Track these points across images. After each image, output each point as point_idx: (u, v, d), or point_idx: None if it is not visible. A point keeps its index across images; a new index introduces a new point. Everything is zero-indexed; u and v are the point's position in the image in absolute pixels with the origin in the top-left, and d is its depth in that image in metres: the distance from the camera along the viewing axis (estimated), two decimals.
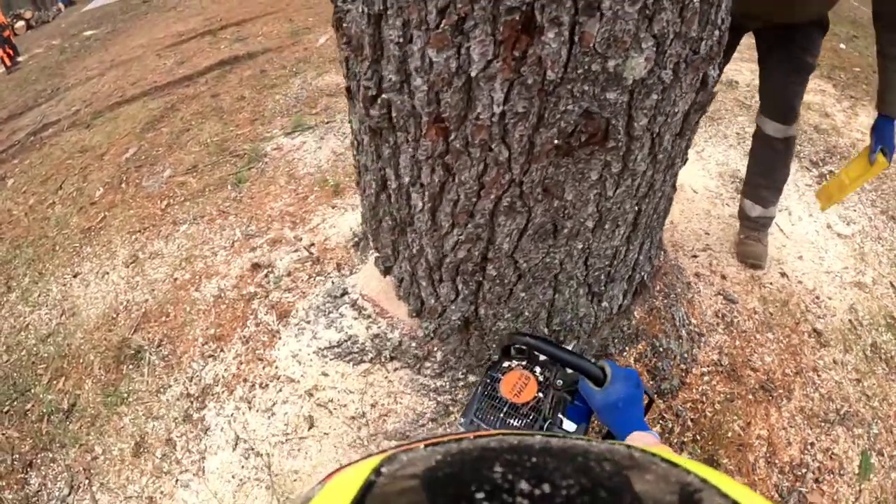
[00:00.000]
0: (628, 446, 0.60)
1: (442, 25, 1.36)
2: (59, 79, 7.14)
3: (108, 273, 3.59)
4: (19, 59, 8.98)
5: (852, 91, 5.04)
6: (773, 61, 2.73)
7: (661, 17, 1.33)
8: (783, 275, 3.14)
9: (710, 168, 3.87)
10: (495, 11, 1.29)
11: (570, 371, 1.63)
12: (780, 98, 2.81)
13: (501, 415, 1.60)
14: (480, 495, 0.43)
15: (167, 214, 3.93)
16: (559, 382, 1.62)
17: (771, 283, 3.07)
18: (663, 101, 1.54)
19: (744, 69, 5.19)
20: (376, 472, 0.52)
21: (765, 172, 3.08)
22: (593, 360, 1.55)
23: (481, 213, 1.79)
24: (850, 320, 2.94)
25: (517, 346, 1.74)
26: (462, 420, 1.63)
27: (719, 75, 1.87)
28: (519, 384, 1.64)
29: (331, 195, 3.71)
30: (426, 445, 0.62)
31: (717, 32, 1.55)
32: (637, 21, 1.30)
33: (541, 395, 1.62)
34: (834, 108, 4.74)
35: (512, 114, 1.48)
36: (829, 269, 3.20)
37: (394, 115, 1.68)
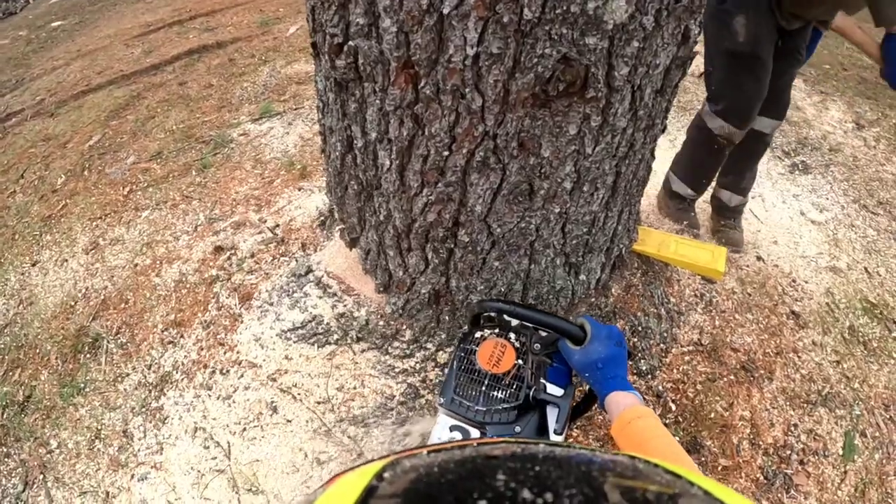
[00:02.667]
0: (633, 457, 0.60)
1: None
2: (25, 69, 6.97)
3: (67, 260, 3.46)
4: None
5: (822, 87, 5.08)
6: (779, 58, 2.70)
7: None
8: (759, 258, 3.15)
9: None
10: None
11: (544, 333, 1.58)
12: (780, 94, 2.82)
13: (483, 388, 1.55)
14: (483, 503, 0.43)
15: (129, 201, 3.81)
16: (537, 346, 1.57)
17: (748, 266, 3.07)
18: (644, 49, 1.47)
19: None
20: (378, 477, 0.53)
21: (750, 165, 3.12)
22: (570, 319, 1.51)
23: (452, 170, 1.70)
24: (826, 303, 2.95)
25: (488, 313, 1.68)
26: (441, 400, 1.56)
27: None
28: (496, 353, 1.59)
29: (297, 178, 3.62)
30: (429, 451, 0.64)
31: None
32: None
33: (520, 361, 1.58)
34: (805, 102, 4.79)
35: (486, 55, 1.40)
36: (804, 254, 3.22)
37: (360, 62, 1.59)
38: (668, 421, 2.36)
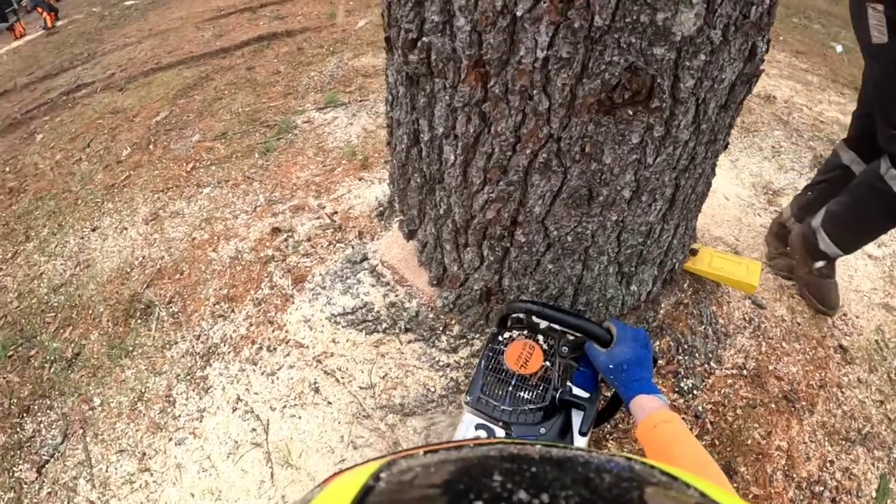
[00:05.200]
0: (629, 458, 0.60)
1: None
2: (97, 44, 7.16)
3: (126, 229, 3.55)
4: (59, 23, 9.04)
5: None
6: None
7: None
8: None
9: (744, 178, 3.78)
10: None
11: (572, 337, 1.61)
12: None
13: (510, 388, 1.56)
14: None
15: (192, 177, 3.89)
16: (564, 349, 1.59)
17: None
18: (711, 63, 1.47)
19: (782, 85, 5.09)
20: (375, 477, 0.53)
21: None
22: (597, 322, 1.54)
23: (515, 169, 1.71)
24: (876, 341, 2.85)
25: (517, 314, 1.71)
26: (468, 399, 1.58)
27: None
28: (524, 354, 1.61)
29: (358, 168, 3.65)
30: (426, 452, 0.64)
31: (767, 0, 1.48)
32: None
33: (548, 363, 1.59)
34: None
35: (556, 59, 1.41)
36: (858, 288, 3.12)
37: (433, 58, 1.62)
38: (704, 443, 2.31)
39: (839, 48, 6.03)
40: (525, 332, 1.68)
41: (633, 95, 1.46)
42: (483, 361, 1.63)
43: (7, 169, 4.63)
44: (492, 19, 1.40)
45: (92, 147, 4.60)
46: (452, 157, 1.82)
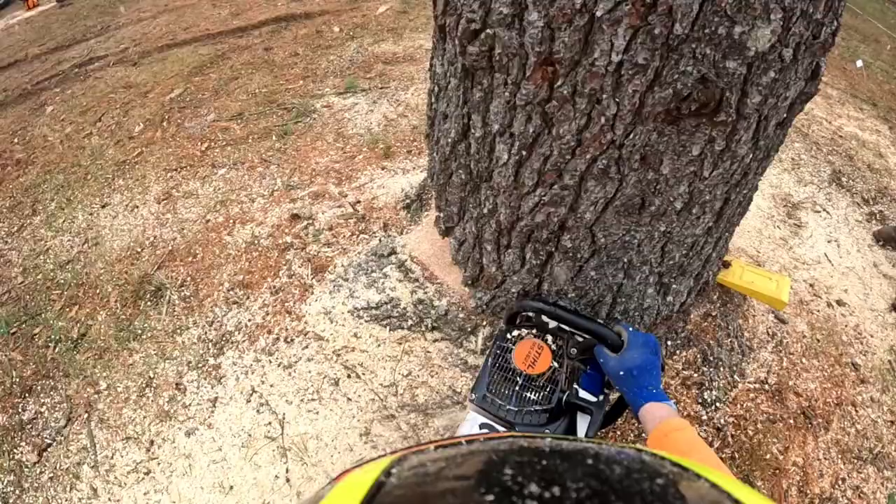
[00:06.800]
0: (640, 449, 0.60)
1: None
2: (111, 17, 7.08)
3: (137, 207, 3.47)
4: None
5: None
6: None
7: None
8: (829, 305, 3.05)
9: (764, 189, 3.78)
10: None
11: (581, 338, 1.59)
12: None
13: (517, 388, 1.56)
14: (490, 497, 0.44)
15: (206, 157, 3.81)
16: (573, 351, 1.59)
17: (818, 311, 2.98)
18: (778, 81, 1.43)
19: None
20: (386, 473, 0.53)
21: None
22: (609, 325, 1.54)
23: (572, 173, 1.65)
24: (889, 361, 2.85)
25: (527, 313, 1.70)
26: (473, 396, 1.57)
27: None
28: (532, 354, 1.60)
29: (381, 157, 3.58)
30: (436, 447, 0.64)
31: (835, 22, 1.45)
32: None
33: (556, 364, 1.59)
34: (888, 150, 4.65)
35: (630, 65, 1.35)
36: (873, 307, 3.12)
37: (497, 52, 1.53)
38: (723, 455, 2.31)
39: (859, 63, 6.05)
40: (534, 331, 1.68)
41: (701, 107, 1.42)
42: (490, 359, 1.63)
43: (15, 140, 4.54)
44: (569, 17, 1.33)
45: (103, 121, 4.51)
46: (506, 156, 1.75)
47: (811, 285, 3.08)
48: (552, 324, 1.67)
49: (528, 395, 1.54)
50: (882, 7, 6.91)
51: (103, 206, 3.56)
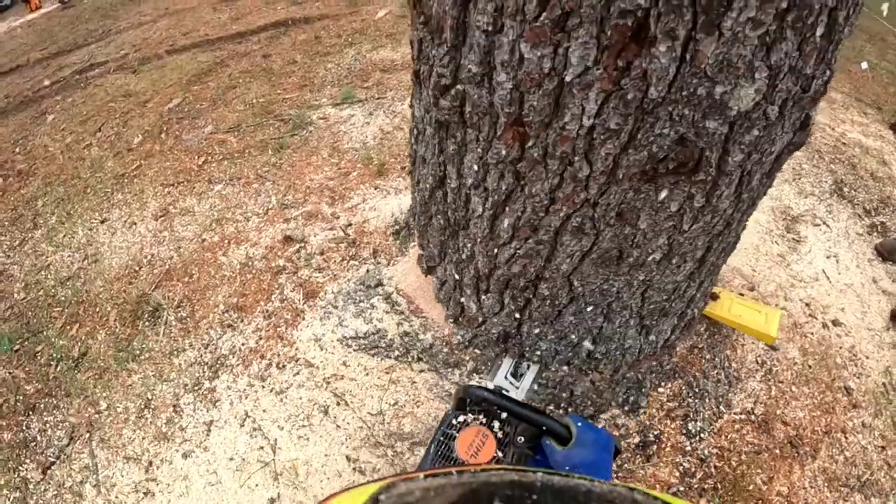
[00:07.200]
0: (631, 488, 0.59)
1: (542, 18, 1.21)
2: (112, 21, 7.09)
3: (136, 224, 3.52)
4: None
5: None
6: None
7: (780, 47, 1.20)
8: (825, 326, 3.02)
9: (763, 202, 3.65)
10: (605, 12, 1.15)
11: (529, 426, 1.55)
12: None
13: None
14: None
15: (203, 171, 3.85)
16: (520, 439, 1.53)
17: (812, 333, 2.95)
18: (763, 138, 1.42)
19: None
20: (374, 499, 0.53)
21: None
22: (557, 418, 1.49)
23: (546, 229, 1.67)
24: (883, 383, 2.83)
25: (474, 399, 1.65)
26: None
27: None
28: (476, 443, 1.54)
29: (374, 175, 3.61)
30: (426, 475, 0.62)
31: (828, 72, 1.42)
32: (755, 47, 1.18)
33: (499, 453, 1.52)
34: (892, 157, 4.55)
35: (602, 129, 1.35)
36: (871, 326, 3.08)
37: (467, 109, 1.54)
38: (706, 486, 2.32)
39: (864, 65, 5.91)
40: (482, 416, 1.61)
41: (679, 166, 1.41)
42: (433, 445, 1.56)
43: (17, 150, 4.59)
44: (537, 81, 1.33)
45: (103, 132, 4.55)
46: (480, 209, 1.77)
47: (807, 304, 3.06)
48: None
49: None
50: (889, 4, 6.81)
51: (102, 222, 3.61)
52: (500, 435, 1.56)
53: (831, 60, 1.40)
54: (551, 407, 2.31)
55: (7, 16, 8.33)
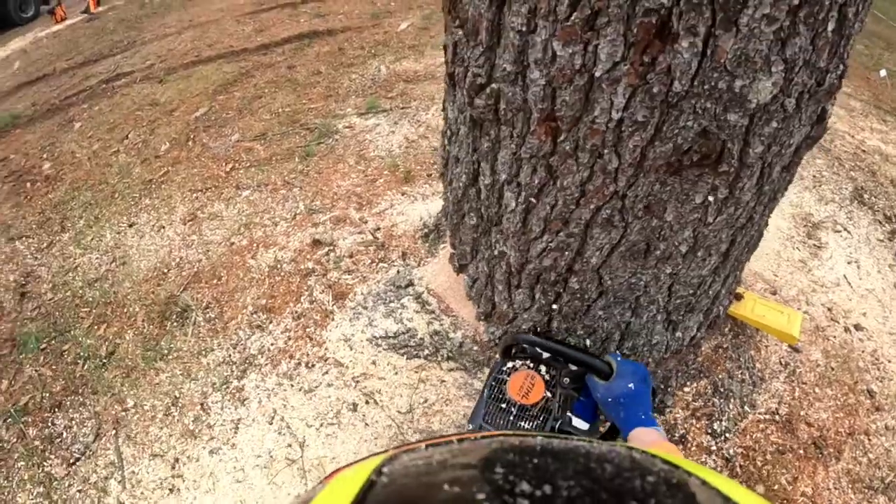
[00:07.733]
0: (630, 448, 0.61)
1: (573, 18, 1.27)
2: (137, 32, 7.20)
3: (164, 227, 3.56)
4: (99, 8, 9.09)
5: None
6: None
7: (794, 42, 1.25)
8: (847, 330, 3.02)
9: (784, 208, 3.73)
10: (631, 11, 1.21)
11: (574, 368, 1.63)
12: None
13: (511, 417, 1.60)
14: (482, 496, 0.44)
15: (231, 178, 3.89)
16: (566, 380, 1.62)
17: (835, 337, 2.94)
18: (781, 130, 1.47)
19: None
20: (377, 472, 0.53)
21: None
22: (598, 355, 1.57)
23: (577, 222, 1.71)
24: None
25: (520, 345, 1.73)
26: (470, 426, 1.63)
27: None
28: (526, 385, 1.64)
29: (401, 181, 3.64)
30: (427, 445, 0.63)
31: (841, 67, 1.47)
32: (771, 42, 1.23)
33: (549, 394, 1.63)
34: None
35: (630, 122, 1.40)
36: (892, 331, 3.07)
37: (501, 107, 1.59)
38: None
39: (883, 73, 5.92)
40: (529, 362, 1.72)
41: (702, 158, 1.46)
42: (486, 390, 1.67)
43: (45, 156, 4.66)
44: (569, 77, 1.38)
45: (130, 139, 4.62)
46: (513, 204, 1.81)
47: (829, 309, 3.05)
48: (545, 354, 1.71)
49: (523, 424, 1.58)
50: None
51: (130, 226, 3.65)
52: (546, 377, 1.66)
53: (844, 55, 1.45)
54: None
55: (33, 27, 8.50)
